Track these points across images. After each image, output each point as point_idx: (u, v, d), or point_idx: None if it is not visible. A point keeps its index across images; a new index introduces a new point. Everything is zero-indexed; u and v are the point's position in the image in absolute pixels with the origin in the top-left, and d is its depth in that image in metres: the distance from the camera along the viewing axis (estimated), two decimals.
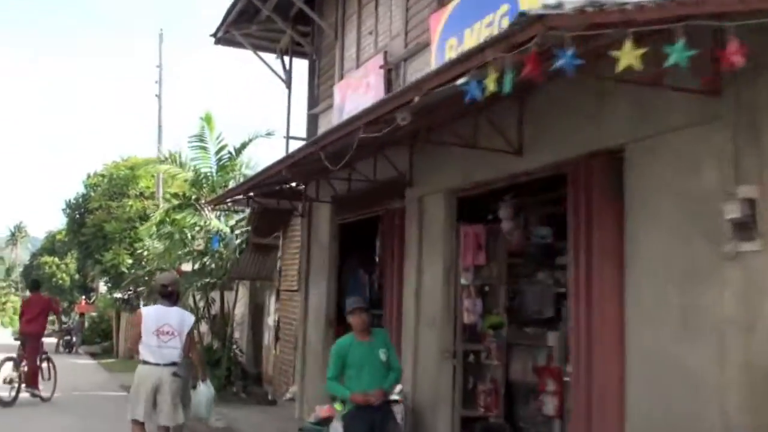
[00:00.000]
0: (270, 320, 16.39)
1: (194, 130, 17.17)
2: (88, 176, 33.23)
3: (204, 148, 17.17)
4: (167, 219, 17.34)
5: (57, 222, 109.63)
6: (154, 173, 29.17)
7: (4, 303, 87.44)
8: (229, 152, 17.27)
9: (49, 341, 19.15)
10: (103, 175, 31.85)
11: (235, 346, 17.37)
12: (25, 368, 14.14)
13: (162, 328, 8.55)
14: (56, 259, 72.87)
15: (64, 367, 17.36)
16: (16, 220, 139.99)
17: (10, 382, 14.02)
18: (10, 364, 14.10)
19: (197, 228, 16.74)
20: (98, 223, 29.35)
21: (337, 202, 11.64)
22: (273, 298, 16.24)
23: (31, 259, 77.47)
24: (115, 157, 33.85)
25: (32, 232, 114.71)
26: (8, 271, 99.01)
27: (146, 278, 21.32)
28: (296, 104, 16.16)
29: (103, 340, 37.08)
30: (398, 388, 8.36)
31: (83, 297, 70.28)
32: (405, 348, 9.11)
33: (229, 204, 12.97)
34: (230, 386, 15.81)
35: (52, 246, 74.91)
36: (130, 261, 27.77)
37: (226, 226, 17.04)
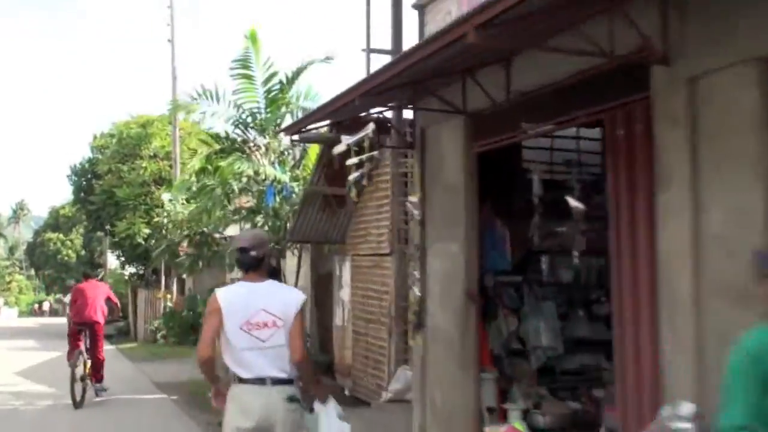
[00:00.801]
0: (344, 294, 12.69)
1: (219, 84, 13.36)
2: (95, 138, 29.44)
3: (249, 78, 13.34)
4: (209, 167, 13.50)
5: (61, 197, 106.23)
6: (169, 131, 25.43)
7: (9, 282, 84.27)
8: (281, 81, 13.45)
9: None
10: (112, 135, 28.06)
11: None
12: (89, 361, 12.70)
13: (255, 318, 4.94)
14: (61, 235, 69.85)
15: None
16: (18, 198, 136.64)
17: (83, 379, 12.52)
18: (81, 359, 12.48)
19: (245, 178, 12.92)
20: (108, 189, 25.62)
21: (476, 119, 7.88)
22: (348, 266, 12.53)
23: (35, 236, 74.17)
24: (125, 116, 30.02)
25: (35, 211, 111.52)
26: (11, 250, 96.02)
27: (174, 249, 17.62)
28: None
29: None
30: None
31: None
32: (665, 334, 5.40)
33: (308, 131, 9.10)
34: None
35: (56, 222, 71.83)
36: (146, 231, 24.05)
37: (285, 172, 13.20)
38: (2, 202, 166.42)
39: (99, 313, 12.92)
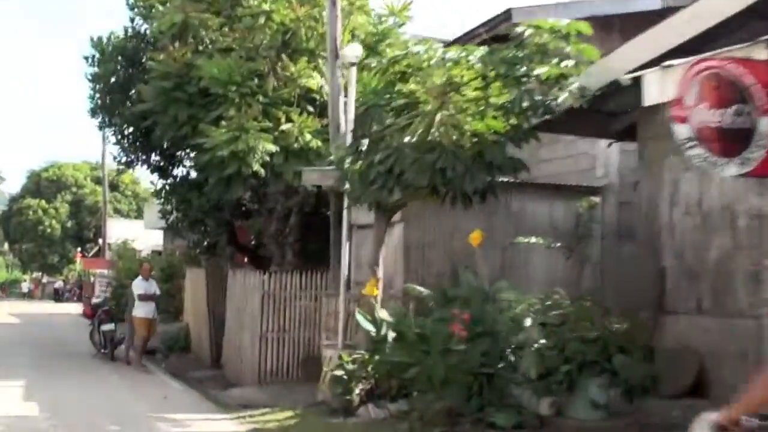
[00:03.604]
0: None
1: None
2: None
3: None
4: None
5: (40, 158, 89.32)
6: None
7: None
8: None
9: None
10: None
11: None
12: None
13: None
14: (43, 202, 56.61)
15: None
16: None
17: None
18: None
19: None
20: (185, 65, 13.07)
21: None
22: None
23: (10, 204, 60.38)
24: None
25: (10, 182, 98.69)
26: None
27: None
28: None
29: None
30: None
31: (78, 250, 54.60)
32: None
33: None
34: None
35: (36, 187, 58.59)
36: (271, 147, 11.53)
37: None
38: None
39: None
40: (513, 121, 8.33)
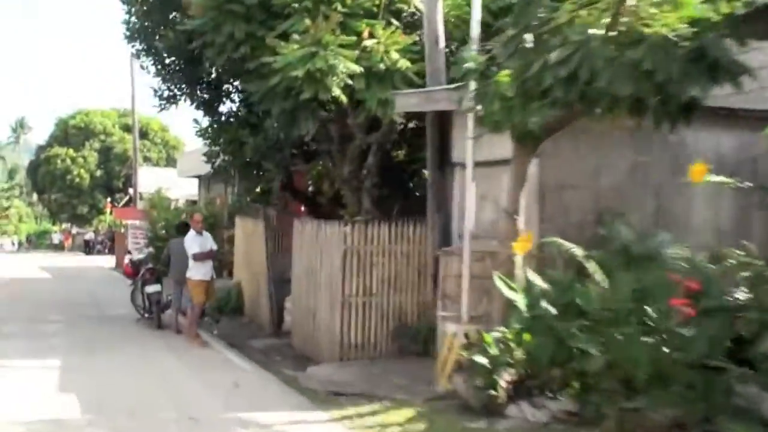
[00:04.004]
0: None
1: None
2: None
3: None
4: None
5: (67, 107, 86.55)
6: None
7: (7, 208, 69.38)
8: None
9: None
10: None
11: None
12: None
13: None
14: (71, 151, 54.92)
15: None
16: (17, 114, 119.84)
17: None
18: None
19: None
20: None
21: None
22: None
23: (38, 152, 58.75)
24: None
25: (38, 132, 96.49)
26: (11, 173, 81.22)
27: None
28: None
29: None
30: None
31: (108, 200, 52.73)
32: None
33: None
34: None
35: (64, 135, 56.70)
36: (356, 68, 8.96)
37: None
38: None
39: None
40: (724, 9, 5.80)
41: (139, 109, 38.07)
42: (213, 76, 14.18)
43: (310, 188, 16.54)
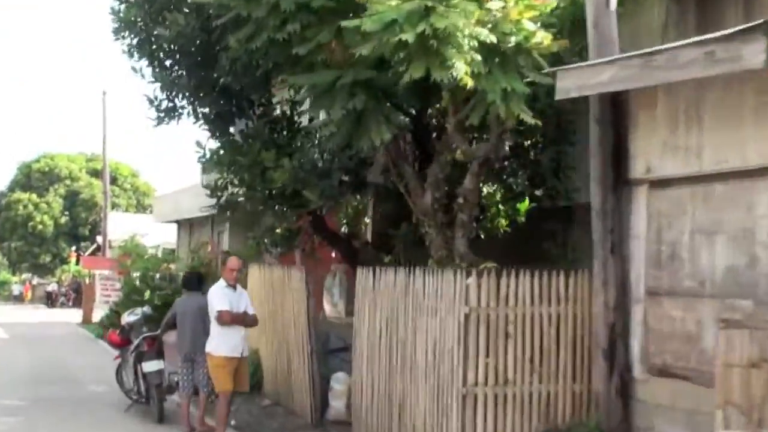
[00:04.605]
0: None
1: None
2: None
3: None
4: None
5: (32, 151, 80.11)
6: None
7: None
8: None
9: None
10: None
11: None
12: None
13: None
14: (34, 196, 51.17)
15: None
16: None
17: None
18: None
19: None
20: None
21: None
22: None
23: None
24: None
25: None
26: None
27: None
28: None
29: None
30: None
31: (73, 248, 48.66)
32: None
33: None
34: None
35: (27, 179, 52.77)
36: (483, 33, 5.57)
37: None
38: None
39: None
40: None
41: (109, 152, 34.88)
42: (230, 79, 10.65)
43: (345, 229, 13.03)
